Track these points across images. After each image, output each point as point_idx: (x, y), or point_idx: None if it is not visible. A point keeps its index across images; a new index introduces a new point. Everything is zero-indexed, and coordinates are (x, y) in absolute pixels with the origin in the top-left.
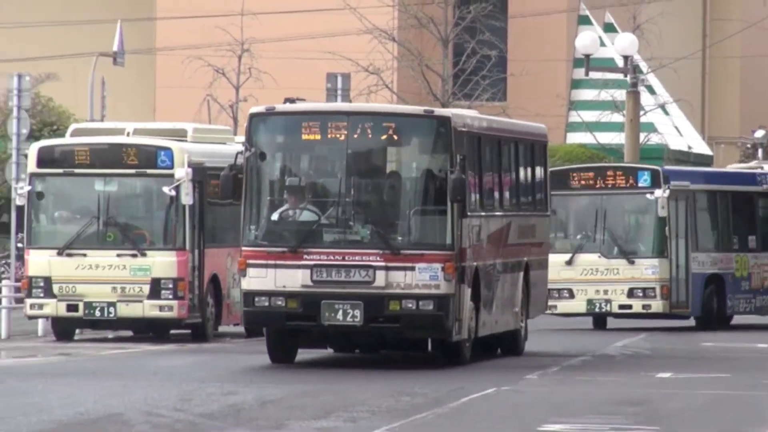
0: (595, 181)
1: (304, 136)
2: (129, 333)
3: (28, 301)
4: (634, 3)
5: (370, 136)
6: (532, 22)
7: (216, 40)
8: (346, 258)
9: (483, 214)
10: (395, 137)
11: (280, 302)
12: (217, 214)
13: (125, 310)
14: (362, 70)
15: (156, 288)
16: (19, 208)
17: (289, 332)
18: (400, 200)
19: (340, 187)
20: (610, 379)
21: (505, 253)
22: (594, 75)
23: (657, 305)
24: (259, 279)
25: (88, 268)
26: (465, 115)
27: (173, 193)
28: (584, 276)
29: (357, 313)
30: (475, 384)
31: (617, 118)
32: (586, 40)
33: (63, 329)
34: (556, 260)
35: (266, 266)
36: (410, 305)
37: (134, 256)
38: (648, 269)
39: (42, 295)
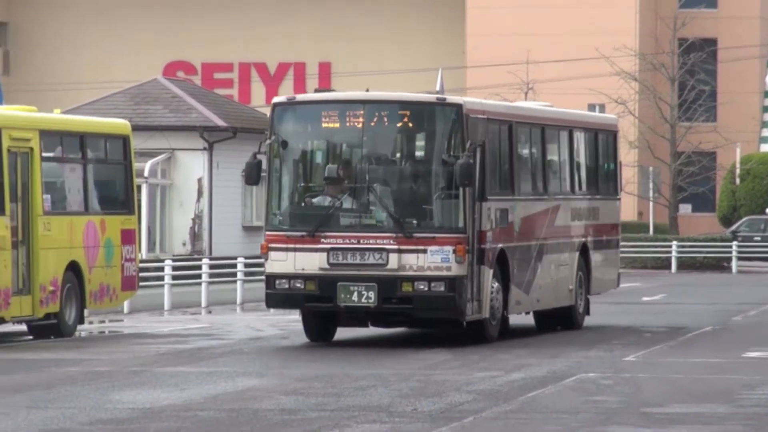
0: None
1: (324, 125)
2: None
3: None
4: None
5: (385, 123)
6: (734, 65)
7: (508, 81)
8: (361, 241)
9: (514, 197)
10: (410, 124)
11: (299, 284)
12: None
13: None
14: (613, 102)
15: None
16: None
17: (321, 313)
18: (413, 185)
19: (356, 173)
20: None
21: (551, 235)
22: None
23: None
24: (279, 262)
25: None
26: (487, 102)
27: None
28: None
29: (371, 294)
30: (695, 323)
31: None
32: None
33: None
34: None
35: (286, 250)
36: (422, 287)
37: None
38: None
39: None
